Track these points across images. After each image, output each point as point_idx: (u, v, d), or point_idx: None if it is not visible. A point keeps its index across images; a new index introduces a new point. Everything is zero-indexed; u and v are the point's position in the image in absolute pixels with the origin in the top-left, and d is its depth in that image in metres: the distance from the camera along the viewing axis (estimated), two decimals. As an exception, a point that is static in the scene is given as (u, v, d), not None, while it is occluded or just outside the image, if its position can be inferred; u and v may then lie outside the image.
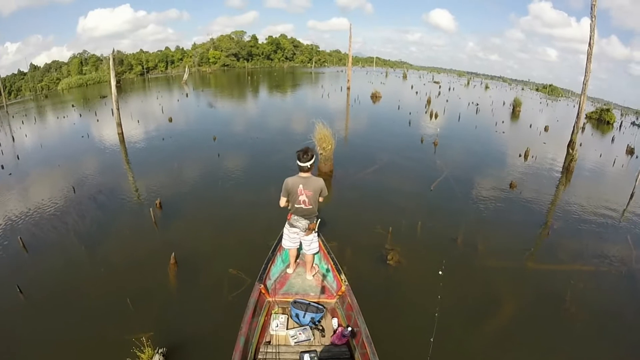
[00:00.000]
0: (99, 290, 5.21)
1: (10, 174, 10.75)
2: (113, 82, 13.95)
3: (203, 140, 13.62)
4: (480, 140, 15.01)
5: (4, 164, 11.64)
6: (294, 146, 10.54)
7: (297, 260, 4.99)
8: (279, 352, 3.67)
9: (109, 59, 13.63)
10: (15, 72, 61.99)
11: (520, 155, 12.42)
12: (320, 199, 4.35)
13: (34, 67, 63.15)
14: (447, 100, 26.45)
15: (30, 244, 6.48)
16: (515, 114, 23.26)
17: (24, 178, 10.39)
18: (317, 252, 4.79)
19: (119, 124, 14.29)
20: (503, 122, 19.63)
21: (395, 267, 5.69)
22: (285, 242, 4.60)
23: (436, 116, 19.21)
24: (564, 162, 12.35)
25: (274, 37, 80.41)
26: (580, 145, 14.18)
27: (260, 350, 3.72)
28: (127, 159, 11.93)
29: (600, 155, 13.78)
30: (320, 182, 4.23)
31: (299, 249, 4.73)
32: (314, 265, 4.88)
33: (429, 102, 24.59)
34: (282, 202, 4.33)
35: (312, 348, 3.72)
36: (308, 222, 4.31)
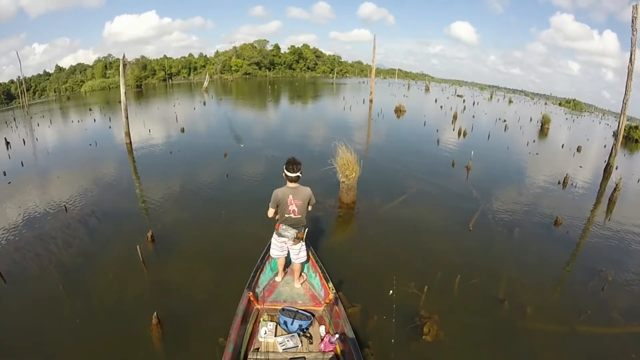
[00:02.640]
0: (70, 348, 4.27)
1: (10, 182, 10.12)
2: (122, 89, 13.11)
3: (213, 156, 12.63)
4: (514, 163, 13.60)
5: (7, 170, 11.12)
6: (313, 170, 9.25)
7: (286, 269, 5.09)
8: (267, 359, 3.74)
9: (120, 64, 12.76)
10: (41, 73, 63.59)
11: (559, 183, 11.02)
12: (310, 208, 4.51)
13: (59, 69, 64.74)
14: (473, 116, 25.08)
15: (10, 274, 5.66)
16: (543, 131, 21.86)
17: (20, 189, 9.67)
18: (306, 261, 4.93)
19: (127, 134, 13.52)
20: (534, 141, 18.22)
21: (433, 342, 4.42)
22: (274, 252, 4.70)
23: (464, 134, 17.91)
24: (600, 188, 11.22)
25: (296, 46, 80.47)
26: (616, 168, 13.02)
27: (249, 357, 3.76)
28: (132, 174, 11.01)
29: (639, 181, 12.25)
30: (308, 191, 4.38)
31: (287, 257, 4.80)
32: (302, 273, 5.00)
33: (455, 117, 23.29)
34: (270, 212, 4.40)
35: (300, 355, 3.80)
36: (296, 231, 4.42)
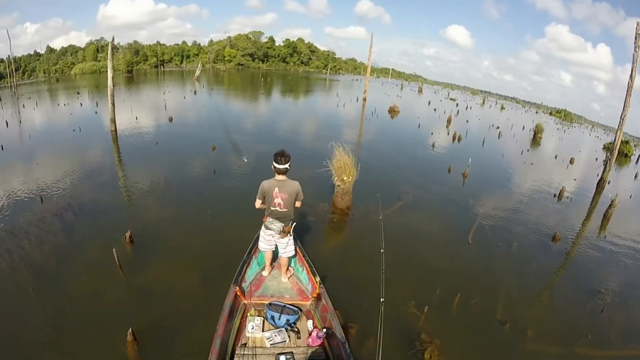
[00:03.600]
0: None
1: None
2: (110, 74, 12.47)
3: (201, 149, 12.09)
4: (509, 172, 13.45)
5: None
6: (305, 170, 8.91)
7: (273, 263, 5.02)
8: (255, 354, 3.65)
9: (107, 47, 12.15)
10: (32, 53, 61.69)
11: (554, 195, 10.89)
12: (298, 204, 4.42)
13: (50, 50, 62.82)
14: (467, 121, 25.10)
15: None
16: (536, 140, 22.06)
17: (-4, 176, 9.07)
18: (293, 256, 4.84)
19: (113, 121, 12.94)
20: (528, 150, 18.29)
21: (435, 368, 4.11)
22: (262, 244, 4.65)
23: (459, 139, 17.79)
24: (592, 202, 11.25)
25: (291, 40, 79.71)
26: (609, 183, 13.07)
27: (237, 352, 3.66)
28: (115, 164, 10.46)
29: (631, 197, 12.35)
30: (295, 185, 4.28)
31: (275, 251, 4.76)
32: (289, 267, 4.98)
33: (449, 121, 23.30)
34: (257, 203, 4.37)
35: (288, 350, 3.71)
36: (283, 224, 4.35)
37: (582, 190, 12.28)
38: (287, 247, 4.57)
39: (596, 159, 18.91)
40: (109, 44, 12.18)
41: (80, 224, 6.71)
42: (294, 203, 4.37)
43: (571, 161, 16.51)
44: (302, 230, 6.53)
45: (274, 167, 4.15)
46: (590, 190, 12.48)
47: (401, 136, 18.18)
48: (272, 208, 4.29)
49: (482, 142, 17.90)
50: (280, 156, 4.09)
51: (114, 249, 5.31)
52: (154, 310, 4.58)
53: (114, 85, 12.81)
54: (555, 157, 17.20)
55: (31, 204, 7.42)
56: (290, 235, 4.53)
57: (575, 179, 13.51)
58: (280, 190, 4.19)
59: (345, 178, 7.41)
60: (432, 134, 18.53)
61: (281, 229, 4.35)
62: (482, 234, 7.66)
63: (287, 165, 4.14)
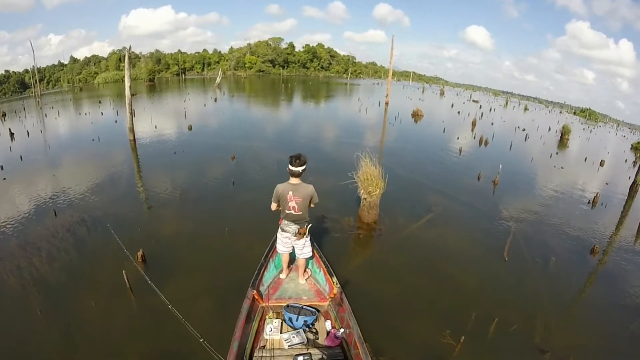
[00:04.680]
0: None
1: (5, 178, 9.53)
2: (127, 83, 12.32)
3: (220, 158, 11.74)
4: (540, 178, 12.50)
5: (5, 163, 10.58)
6: (329, 182, 8.32)
7: (290, 266, 5.03)
8: (273, 356, 3.67)
9: (125, 56, 11.98)
10: (56, 63, 63.73)
11: (589, 202, 10.02)
12: (312, 205, 4.43)
13: (73, 60, 64.75)
14: (492, 124, 24.00)
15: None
16: (563, 142, 20.77)
17: (13, 186, 9.08)
18: (310, 257, 4.84)
19: (132, 130, 12.77)
20: (557, 153, 17.25)
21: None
22: (279, 247, 4.69)
23: (486, 143, 16.92)
24: (623, 209, 10.21)
25: (311, 45, 79.73)
26: None
27: (255, 354, 3.71)
28: (132, 175, 10.24)
29: None
30: (309, 189, 4.30)
31: (292, 254, 4.76)
32: (306, 269, 4.98)
33: (474, 124, 22.33)
34: (273, 206, 4.43)
35: (306, 351, 3.70)
36: (298, 227, 4.39)
37: (616, 195, 11.28)
38: (303, 248, 4.58)
39: (626, 160, 17.72)
40: (126, 53, 12.03)
41: (92, 240, 6.43)
42: (308, 206, 4.39)
43: (601, 163, 15.45)
44: (327, 246, 6.04)
45: (289, 169, 4.19)
46: (624, 194, 11.47)
47: (426, 141, 17.47)
48: (287, 211, 4.35)
49: (510, 146, 17.01)
50: (296, 159, 4.13)
51: (123, 271, 4.95)
52: (165, 340, 4.21)
53: (133, 95, 12.69)
54: (585, 159, 16.14)
55: (45, 218, 7.25)
56: (307, 236, 4.53)
57: (607, 183, 12.51)
58: (295, 194, 4.24)
59: (371, 191, 6.83)
60: (457, 138, 17.72)
61: (297, 231, 4.39)
62: (516, 248, 6.95)
63: (301, 169, 4.15)
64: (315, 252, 5.09)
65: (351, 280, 5.36)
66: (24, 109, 24.26)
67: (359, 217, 7.39)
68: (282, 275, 4.95)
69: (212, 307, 4.78)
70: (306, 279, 4.90)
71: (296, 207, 4.28)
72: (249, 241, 6.31)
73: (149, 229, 6.88)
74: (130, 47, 12.22)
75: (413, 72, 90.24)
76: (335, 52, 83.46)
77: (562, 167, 14.12)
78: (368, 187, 6.83)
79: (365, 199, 7.03)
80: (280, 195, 4.29)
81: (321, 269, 4.97)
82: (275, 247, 4.88)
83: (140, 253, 5.62)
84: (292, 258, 4.90)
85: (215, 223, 7.13)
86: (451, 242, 7.01)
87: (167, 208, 7.95)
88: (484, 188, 10.48)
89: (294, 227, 4.38)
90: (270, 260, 5.08)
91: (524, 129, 22.83)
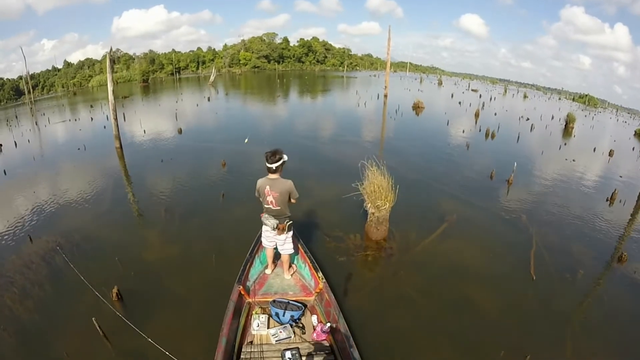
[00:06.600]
0: None
1: None
2: (110, 87, 11.51)
3: (209, 166, 10.87)
4: (554, 174, 11.55)
5: None
6: (330, 194, 7.76)
7: (275, 261, 5.03)
8: (261, 351, 3.66)
9: (107, 58, 11.24)
10: (50, 68, 62.77)
11: (606, 200, 9.29)
12: (293, 201, 4.43)
13: (67, 64, 63.76)
14: (495, 114, 23.14)
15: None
16: (568, 130, 20.00)
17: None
18: (294, 253, 4.90)
19: (117, 137, 12.02)
20: (565, 144, 16.49)
21: None
22: (264, 241, 4.73)
23: (492, 136, 16.14)
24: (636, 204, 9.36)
25: (305, 39, 78.62)
26: None
27: (243, 350, 3.69)
28: (114, 187, 9.48)
29: None
30: (287, 184, 4.30)
31: (277, 249, 4.75)
32: (292, 264, 5.02)
33: (477, 115, 21.55)
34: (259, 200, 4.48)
35: (294, 345, 3.52)
36: (277, 222, 4.39)
37: (632, 189, 10.33)
38: (284, 244, 4.60)
39: (633, 149, 16.96)
40: (107, 56, 11.22)
41: (68, 272, 5.61)
42: (288, 201, 4.39)
43: (610, 153, 14.71)
44: (334, 275, 5.24)
45: (266, 166, 4.24)
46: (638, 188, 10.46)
47: (430, 136, 16.62)
48: (265, 205, 4.42)
49: (517, 138, 16.23)
50: (272, 155, 4.18)
51: (93, 319, 4.21)
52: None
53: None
54: (594, 149, 15.32)
55: (20, 244, 6.60)
56: (287, 232, 4.52)
57: (621, 176, 11.78)
58: (272, 189, 4.27)
59: (380, 205, 6.00)
60: (463, 131, 16.94)
61: (275, 226, 4.39)
62: (541, 261, 6.17)
63: (275, 165, 4.18)
64: (300, 247, 5.17)
65: (362, 309, 4.77)
66: (16, 117, 23.54)
67: (366, 234, 6.57)
68: (268, 271, 4.98)
69: (203, 348, 4.01)
70: (292, 274, 4.93)
71: (274, 201, 4.31)
72: (240, 265, 5.18)
73: (129, 255, 6.10)
74: (111, 49, 11.51)
75: (409, 63, 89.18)
76: (331, 45, 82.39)
77: (573, 160, 13.34)
78: (376, 200, 6.02)
79: (372, 213, 6.22)
80: (259, 190, 4.38)
81: (306, 264, 5.01)
82: (261, 242, 4.90)
83: (115, 290, 4.88)
84: (278, 253, 4.85)
85: (201, 247, 6.35)
86: (469, 258, 6.23)
87: (151, 228, 7.21)
88: (498, 188, 9.72)
89: (272, 221, 4.38)
90: (256, 256, 5.12)
91: (528, 119, 22.07)
